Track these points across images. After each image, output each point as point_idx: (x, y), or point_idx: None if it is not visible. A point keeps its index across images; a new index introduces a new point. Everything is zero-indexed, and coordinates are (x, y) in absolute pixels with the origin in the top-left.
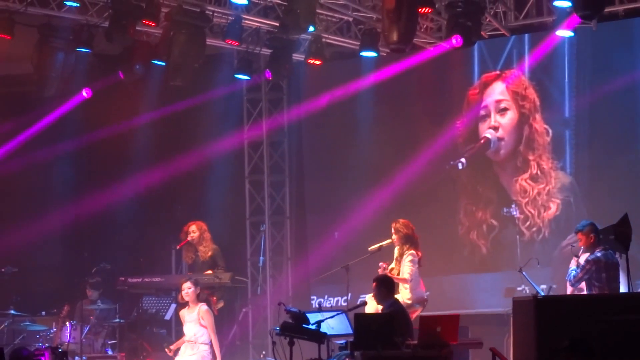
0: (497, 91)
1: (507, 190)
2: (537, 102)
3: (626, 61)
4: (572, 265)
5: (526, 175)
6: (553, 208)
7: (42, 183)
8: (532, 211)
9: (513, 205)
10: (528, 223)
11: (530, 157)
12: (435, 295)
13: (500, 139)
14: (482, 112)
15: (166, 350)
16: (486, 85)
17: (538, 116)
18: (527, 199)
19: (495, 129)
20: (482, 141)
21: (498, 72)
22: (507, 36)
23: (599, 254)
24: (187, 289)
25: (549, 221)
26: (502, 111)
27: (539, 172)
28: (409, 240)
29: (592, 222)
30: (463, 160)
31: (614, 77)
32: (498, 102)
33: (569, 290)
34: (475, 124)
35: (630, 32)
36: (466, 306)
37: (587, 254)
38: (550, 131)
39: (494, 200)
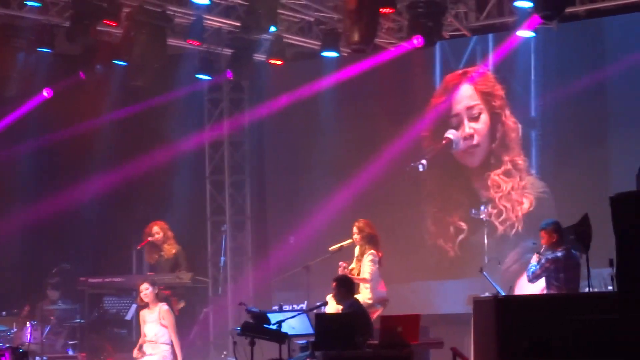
0: (466, 95)
1: (478, 192)
2: (504, 97)
3: (592, 61)
4: (533, 261)
5: (499, 171)
6: (526, 204)
7: (3, 183)
8: (507, 205)
9: (482, 207)
10: (502, 217)
11: (505, 157)
12: (397, 302)
13: (476, 146)
14: (454, 121)
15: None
16: (452, 88)
17: (507, 111)
18: (500, 194)
19: (470, 137)
20: (443, 142)
21: (461, 70)
22: (468, 36)
23: (559, 254)
24: (145, 290)
25: (523, 216)
26: (476, 118)
27: (512, 169)
28: (371, 240)
29: (556, 221)
30: (424, 162)
31: (580, 77)
32: (470, 108)
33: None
34: (442, 130)
35: (594, 32)
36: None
37: (549, 253)
38: (519, 125)
39: (464, 203)
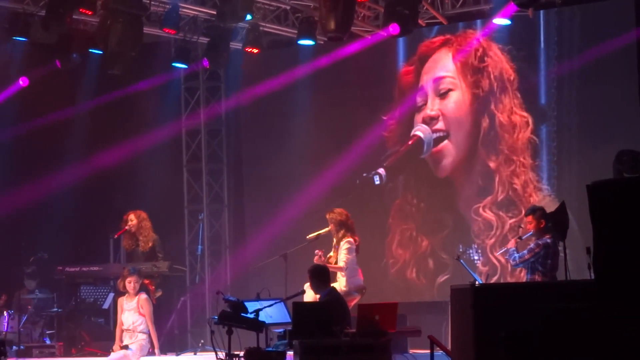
0: (439, 64)
1: (465, 215)
2: (509, 76)
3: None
4: (511, 245)
5: (488, 200)
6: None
7: None
8: (502, 260)
9: (474, 246)
10: (496, 278)
11: (492, 164)
12: (375, 289)
13: (439, 133)
14: (419, 100)
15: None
16: (425, 58)
17: (507, 99)
18: (493, 240)
19: (433, 119)
20: (410, 142)
21: (445, 36)
22: (444, 24)
23: (548, 240)
24: (135, 283)
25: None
26: (444, 94)
27: (510, 193)
28: (344, 227)
29: (542, 207)
30: (381, 171)
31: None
32: (437, 80)
33: None
34: (410, 118)
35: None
36: None
37: (535, 238)
38: (530, 123)
39: (448, 226)
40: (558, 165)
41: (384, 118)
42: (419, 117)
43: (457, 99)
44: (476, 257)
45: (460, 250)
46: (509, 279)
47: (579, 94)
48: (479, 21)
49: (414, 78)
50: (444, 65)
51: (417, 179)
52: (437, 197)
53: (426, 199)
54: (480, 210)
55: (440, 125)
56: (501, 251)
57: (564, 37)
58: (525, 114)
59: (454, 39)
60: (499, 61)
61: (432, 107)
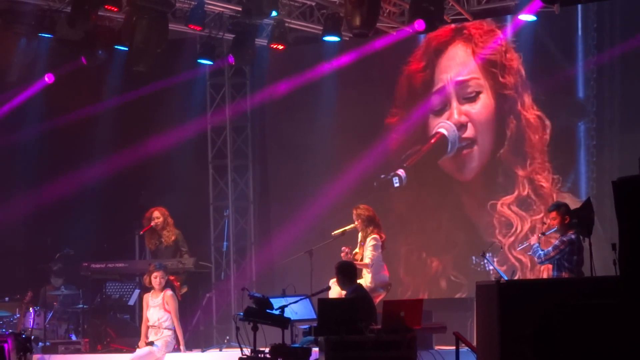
0: (459, 63)
1: (478, 225)
2: (522, 72)
3: None
4: (533, 241)
5: (510, 198)
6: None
7: (5, 169)
8: (523, 259)
9: (489, 255)
10: (516, 277)
11: (520, 172)
12: (400, 286)
13: (470, 144)
14: (437, 101)
15: (143, 345)
16: (438, 53)
17: (527, 98)
18: (512, 238)
19: (463, 126)
20: (432, 140)
21: (455, 25)
22: (470, 20)
23: (573, 236)
24: (161, 278)
25: None
26: (471, 98)
27: (530, 193)
28: (371, 223)
29: (566, 203)
30: (401, 172)
31: None
32: (462, 83)
33: None
34: (423, 121)
35: None
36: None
37: (559, 235)
38: (547, 122)
39: (460, 242)
40: (597, 167)
41: (395, 120)
42: (435, 120)
43: (485, 102)
44: (490, 268)
45: (475, 260)
46: (529, 276)
47: (622, 85)
48: (508, 17)
49: (428, 75)
50: (466, 65)
51: (425, 190)
52: (448, 207)
53: (433, 216)
54: (499, 206)
55: (469, 132)
56: (522, 246)
57: (605, 23)
58: (540, 113)
59: (468, 30)
60: (516, 57)
61: (459, 112)
